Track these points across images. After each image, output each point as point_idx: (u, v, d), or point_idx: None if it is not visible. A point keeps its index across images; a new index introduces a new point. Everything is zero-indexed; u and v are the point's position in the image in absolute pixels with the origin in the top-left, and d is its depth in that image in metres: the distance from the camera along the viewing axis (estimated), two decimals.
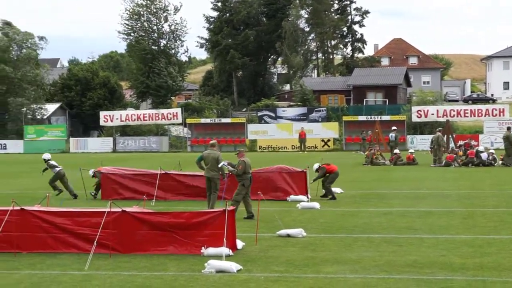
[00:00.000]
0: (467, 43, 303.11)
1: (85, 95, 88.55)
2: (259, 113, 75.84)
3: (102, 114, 76.10)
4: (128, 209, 18.12)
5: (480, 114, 66.35)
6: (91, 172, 30.79)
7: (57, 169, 30.58)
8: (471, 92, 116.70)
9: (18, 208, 18.06)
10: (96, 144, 74.54)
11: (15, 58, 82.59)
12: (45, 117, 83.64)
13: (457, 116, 66.76)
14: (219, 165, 23.68)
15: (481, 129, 66.71)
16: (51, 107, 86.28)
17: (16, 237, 18.01)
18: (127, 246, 17.83)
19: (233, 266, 15.74)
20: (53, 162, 31.01)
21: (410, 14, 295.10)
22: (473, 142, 52.39)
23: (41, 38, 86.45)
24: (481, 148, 46.26)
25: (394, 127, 51.84)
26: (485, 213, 23.86)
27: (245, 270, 15.69)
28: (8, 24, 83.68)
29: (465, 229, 20.86)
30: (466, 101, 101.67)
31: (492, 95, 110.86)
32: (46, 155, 31.78)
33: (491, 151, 45.61)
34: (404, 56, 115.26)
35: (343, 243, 18.77)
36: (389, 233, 20.21)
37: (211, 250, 17.08)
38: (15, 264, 16.88)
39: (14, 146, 73.55)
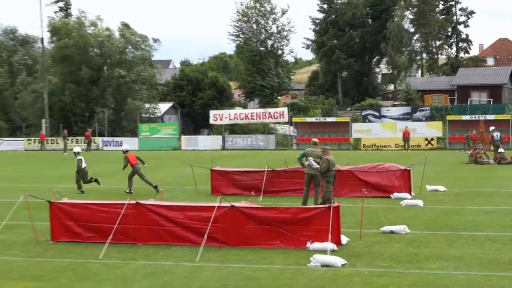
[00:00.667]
0: None
1: (195, 95, 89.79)
2: (363, 112, 75.64)
3: (212, 113, 76.95)
4: (236, 204, 18.29)
5: None
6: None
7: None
8: None
9: (133, 202, 18.50)
10: (206, 141, 75.35)
11: (130, 59, 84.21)
12: (158, 115, 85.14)
13: None
14: (306, 163, 23.94)
15: None
16: (164, 106, 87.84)
17: (132, 229, 18.39)
18: (236, 240, 17.94)
19: (338, 260, 15.65)
20: (80, 157, 31.74)
21: None
22: None
23: (155, 40, 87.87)
24: None
25: (492, 127, 50.98)
26: None
27: (350, 265, 15.61)
28: (126, 26, 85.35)
29: None
30: None
31: None
32: (76, 149, 32.92)
33: None
34: (510, 56, 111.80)
35: (446, 240, 18.49)
36: (493, 231, 19.79)
37: (317, 245, 17.04)
38: (131, 254, 17.29)
39: (129, 143, 74.66)
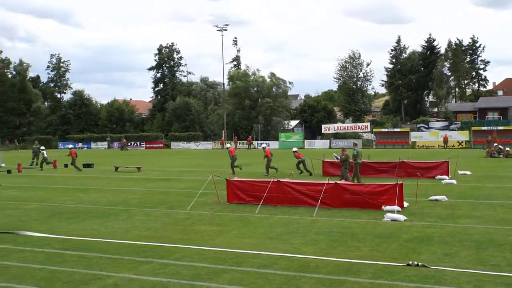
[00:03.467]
0: None
1: (313, 115, 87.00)
2: (418, 125, 74.16)
3: (323, 126, 76.23)
4: (338, 182, 17.88)
5: None
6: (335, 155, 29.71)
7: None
8: None
9: (275, 180, 18.26)
10: (319, 144, 74.08)
11: (275, 93, 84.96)
12: (290, 127, 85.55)
13: None
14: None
15: None
16: (293, 122, 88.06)
17: (274, 196, 18.02)
18: (338, 203, 17.37)
19: (401, 217, 15.22)
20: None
21: None
22: None
23: (290, 83, 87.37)
24: None
25: (493, 134, 51.43)
26: None
27: (409, 220, 15.14)
28: (273, 74, 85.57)
29: None
30: None
31: None
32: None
33: None
34: None
35: (471, 205, 17.80)
36: (503, 200, 19.01)
37: (388, 207, 16.55)
38: (274, 211, 16.99)
39: (273, 144, 75.69)
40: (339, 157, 24.58)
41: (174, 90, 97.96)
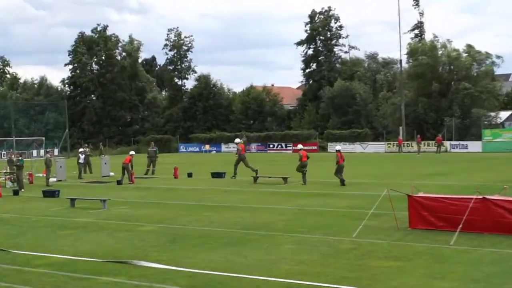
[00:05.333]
0: None
1: None
2: None
3: None
4: None
5: None
6: None
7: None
8: None
9: (480, 197, 17.83)
10: None
11: (475, 74, 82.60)
12: (499, 122, 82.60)
13: None
14: None
15: None
16: (504, 114, 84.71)
17: (479, 220, 17.76)
18: None
19: None
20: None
21: None
22: None
23: (498, 57, 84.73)
24: None
25: None
26: None
27: None
28: (470, 46, 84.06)
29: None
30: None
31: None
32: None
33: None
34: None
35: None
36: None
37: None
38: (479, 241, 16.81)
39: (474, 146, 73.93)
40: None
41: (332, 72, 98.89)
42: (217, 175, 41.28)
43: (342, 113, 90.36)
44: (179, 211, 24.95)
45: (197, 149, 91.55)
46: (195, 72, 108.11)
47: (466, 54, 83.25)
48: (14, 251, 17.13)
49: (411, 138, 79.66)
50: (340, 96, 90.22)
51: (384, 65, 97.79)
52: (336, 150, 35.18)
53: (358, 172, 42.70)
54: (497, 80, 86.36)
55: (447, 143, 75.57)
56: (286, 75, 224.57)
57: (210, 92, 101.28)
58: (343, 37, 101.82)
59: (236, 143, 41.96)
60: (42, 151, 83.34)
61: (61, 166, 43.70)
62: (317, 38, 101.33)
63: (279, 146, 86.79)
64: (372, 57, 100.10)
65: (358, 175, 40.13)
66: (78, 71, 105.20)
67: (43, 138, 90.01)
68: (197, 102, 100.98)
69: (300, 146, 38.17)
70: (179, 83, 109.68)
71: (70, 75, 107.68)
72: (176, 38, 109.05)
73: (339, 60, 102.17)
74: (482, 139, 74.81)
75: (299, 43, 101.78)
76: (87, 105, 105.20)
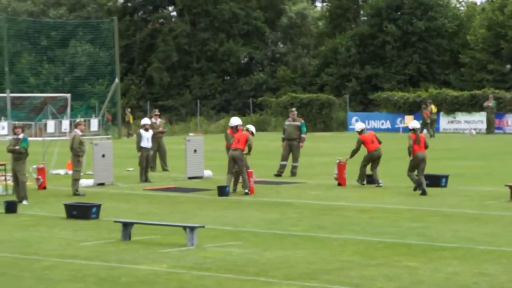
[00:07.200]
0: None
1: None
2: None
3: None
4: None
5: None
6: None
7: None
8: None
9: None
10: None
11: None
12: None
13: None
14: None
15: None
16: None
17: None
18: None
19: None
20: None
21: None
22: None
23: None
24: None
25: None
26: None
27: None
28: None
29: None
30: None
31: None
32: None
33: None
34: None
35: None
36: None
37: None
38: None
39: None
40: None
41: None
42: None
43: None
44: (351, 255, 14.12)
45: (384, 123, 57.32)
46: None
47: None
48: None
49: None
50: None
51: None
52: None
53: None
54: None
55: None
56: None
57: (420, 4, 61.81)
58: None
59: None
60: (65, 123, 44.75)
61: (103, 155, 27.92)
62: None
63: None
64: None
65: None
66: None
67: (68, 95, 53.76)
68: (387, 24, 60.92)
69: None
70: None
71: None
72: None
73: None
74: None
75: None
76: (161, 29, 67.54)
